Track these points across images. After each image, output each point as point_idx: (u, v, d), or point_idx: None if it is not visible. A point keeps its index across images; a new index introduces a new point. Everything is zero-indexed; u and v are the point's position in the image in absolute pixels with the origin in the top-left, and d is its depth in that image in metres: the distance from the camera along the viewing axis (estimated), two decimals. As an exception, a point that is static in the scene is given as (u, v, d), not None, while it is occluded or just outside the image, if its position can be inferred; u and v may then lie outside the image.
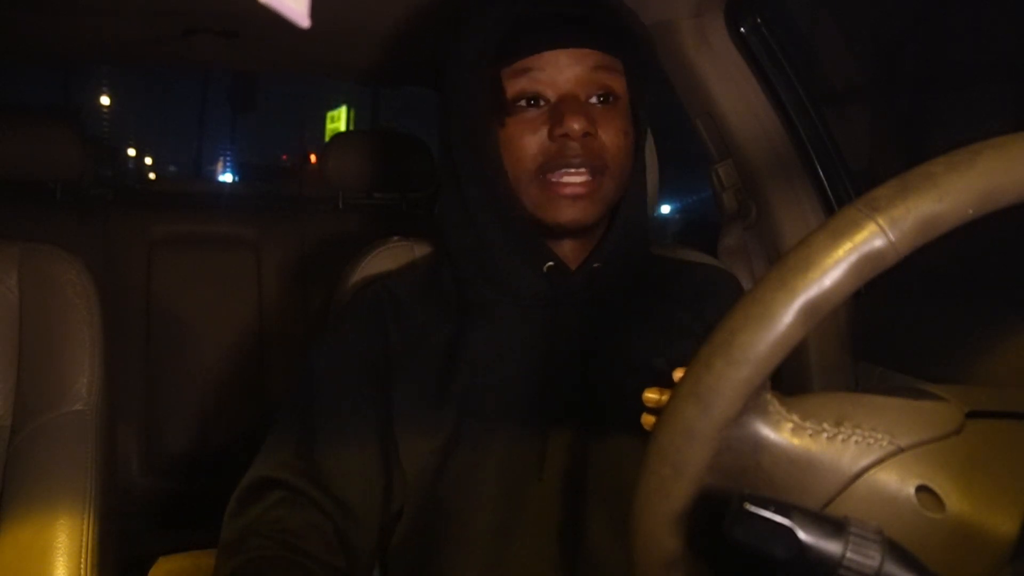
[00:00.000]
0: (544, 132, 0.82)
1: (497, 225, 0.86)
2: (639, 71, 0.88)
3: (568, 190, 0.82)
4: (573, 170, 0.82)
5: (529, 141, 0.83)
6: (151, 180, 9.73)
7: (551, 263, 0.86)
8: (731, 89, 1.32)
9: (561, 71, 0.82)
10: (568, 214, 0.83)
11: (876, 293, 1.22)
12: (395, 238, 1.06)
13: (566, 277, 0.87)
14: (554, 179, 0.82)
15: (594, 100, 0.84)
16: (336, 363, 0.87)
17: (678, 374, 0.68)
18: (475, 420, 0.83)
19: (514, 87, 0.83)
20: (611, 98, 0.84)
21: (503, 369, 0.85)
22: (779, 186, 1.34)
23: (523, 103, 0.83)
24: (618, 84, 0.85)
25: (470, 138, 0.85)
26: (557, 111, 0.82)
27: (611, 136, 0.83)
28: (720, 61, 1.31)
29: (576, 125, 0.80)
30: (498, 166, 0.84)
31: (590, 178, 0.82)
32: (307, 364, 0.89)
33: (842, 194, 1.32)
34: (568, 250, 0.88)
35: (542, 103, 0.83)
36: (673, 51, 1.31)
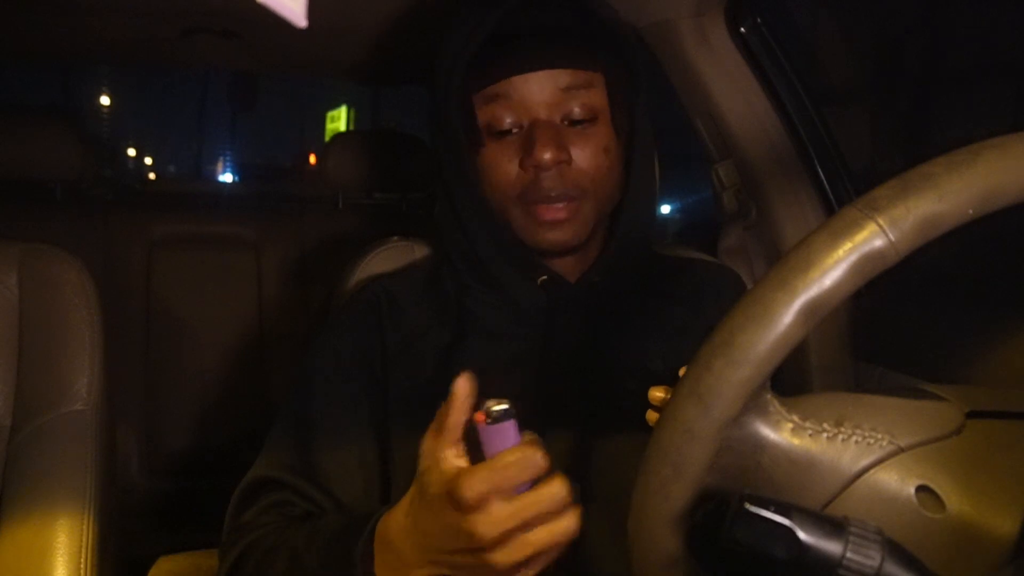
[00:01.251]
0: (517, 160, 0.81)
1: (489, 241, 0.85)
2: (622, 79, 0.85)
3: (547, 216, 0.81)
4: (548, 202, 0.81)
5: (505, 169, 0.81)
6: (151, 180, 9.73)
7: (545, 277, 0.86)
8: (731, 89, 1.32)
9: (532, 95, 0.80)
10: (549, 239, 0.83)
11: (876, 293, 1.22)
12: (395, 238, 1.06)
13: (563, 289, 0.87)
14: (531, 207, 0.81)
15: (570, 120, 0.81)
16: (333, 364, 0.87)
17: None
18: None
19: (486, 113, 0.81)
20: (588, 115, 0.82)
21: (500, 375, 0.85)
22: (779, 186, 1.34)
23: (496, 129, 0.81)
24: (596, 99, 0.82)
25: (454, 159, 0.84)
26: (529, 139, 0.80)
27: (588, 158, 0.81)
28: (720, 61, 1.31)
29: (547, 155, 0.78)
30: (477, 188, 0.84)
31: (568, 204, 0.81)
32: (305, 365, 0.89)
33: (842, 194, 1.32)
34: (565, 263, 0.87)
35: (515, 128, 0.81)
36: (673, 51, 1.31)
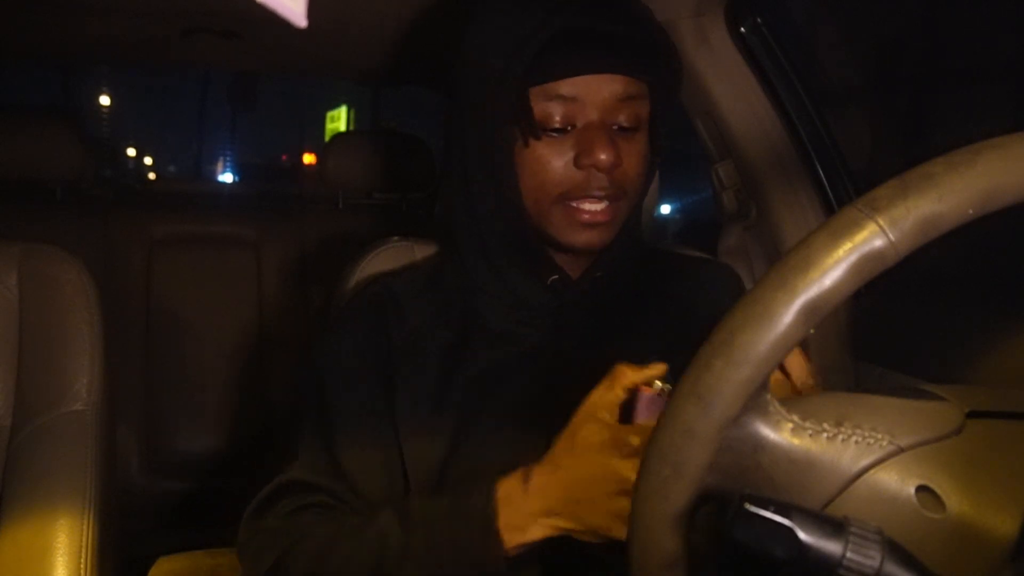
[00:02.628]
0: (570, 158, 0.81)
1: (503, 239, 0.86)
2: (664, 93, 0.86)
3: (588, 217, 0.82)
4: (595, 199, 0.82)
5: (554, 166, 0.81)
6: (151, 180, 9.74)
7: (555, 276, 0.86)
8: (731, 89, 1.32)
9: (591, 97, 0.81)
10: (584, 238, 0.83)
11: (876, 293, 1.22)
12: (395, 238, 1.06)
13: (568, 287, 0.87)
14: (575, 205, 0.82)
15: (618, 126, 0.82)
16: (343, 363, 0.87)
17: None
18: (476, 427, 0.83)
19: (543, 109, 0.81)
20: (635, 124, 0.83)
21: (505, 376, 0.85)
22: (779, 186, 1.34)
23: (550, 126, 0.81)
24: (643, 110, 0.84)
25: (488, 153, 0.83)
26: (585, 139, 0.80)
27: (633, 164, 0.83)
28: (720, 61, 1.31)
29: (604, 156, 0.79)
30: (514, 184, 0.83)
31: (610, 205, 0.82)
32: (313, 365, 0.89)
33: (842, 194, 1.32)
34: (573, 260, 0.88)
35: (568, 127, 0.81)
36: (673, 51, 1.31)
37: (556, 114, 0.81)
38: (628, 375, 0.69)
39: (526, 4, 0.82)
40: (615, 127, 0.82)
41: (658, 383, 0.69)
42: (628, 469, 0.64)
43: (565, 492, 0.67)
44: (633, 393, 0.70)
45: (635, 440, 0.64)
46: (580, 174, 0.81)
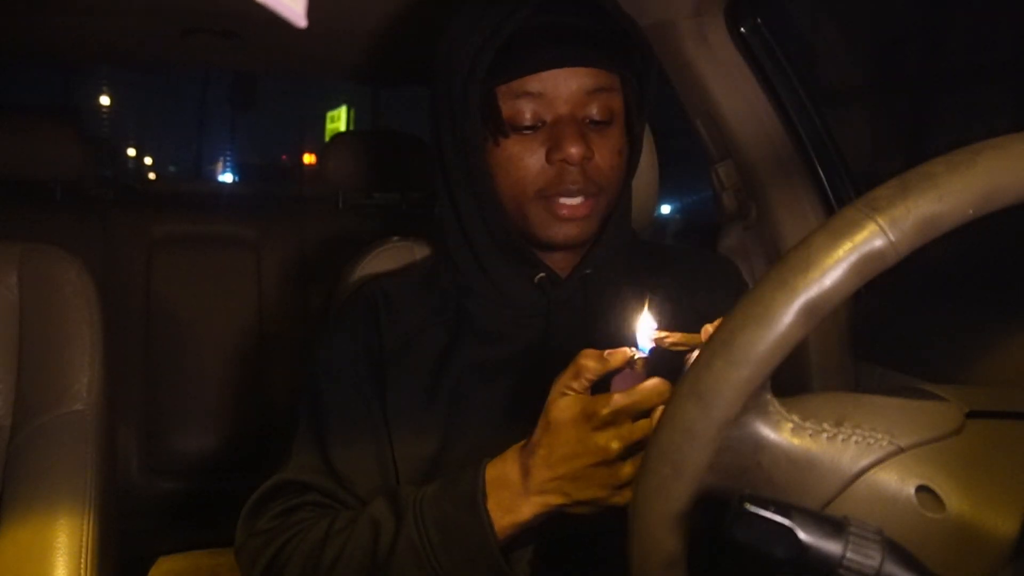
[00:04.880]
0: (541, 154, 0.81)
1: (488, 238, 0.86)
2: (636, 85, 0.86)
3: (566, 211, 0.82)
4: (571, 194, 0.82)
5: (527, 163, 0.82)
6: (151, 180, 9.73)
7: (542, 274, 0.87)
8: (731, 89, 1.32)
9: (559, 92, 0.81)
10: (563, 233, 0.84)
11: (876, 293, 1.22)
12: (395, 238, 1.06)
13: (557, 285, 0.87)
14: (552, 201, 0.82)
15: (590, 120, 0.82)
16: (336, 363, 0.87)
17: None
18: (465, 426, 0.83)
19: (511, 107, 0.81)
20: (607, 117, 0.83)
21: (496, 375, 0.85)
22: (779, 186, 1.34)
23: (519, 123, 0.81)
24: (615, 102, 0.84)
25: (462, 152, 0.84)
26: (555, 134, 0.81)
27: (606, 157, 0.83)
28: (720, 61, 1.31)
29: (574, 150, 0.79)
30: (490, 182, 0.84)
31: (587, 200, 0.82)
32: (310, 368, 0.89)
33: (842, 194, 1.32)
34: (559, 259, 0.89)
35: (538, 124, 0.82)
36: (673, 51, 1.31)
37: (526, 111, 0.81)
38: (591, 367, 0.68)
39: (491, 2, 0.82)
40: (587, 121, 0.82)
41: (627, 351, 0.69)
42: (603, 439, 0.66)
43: (549, 470, 0.68)
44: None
45: (604, 411, 0.65)
46: (553, 170, 0.81)
